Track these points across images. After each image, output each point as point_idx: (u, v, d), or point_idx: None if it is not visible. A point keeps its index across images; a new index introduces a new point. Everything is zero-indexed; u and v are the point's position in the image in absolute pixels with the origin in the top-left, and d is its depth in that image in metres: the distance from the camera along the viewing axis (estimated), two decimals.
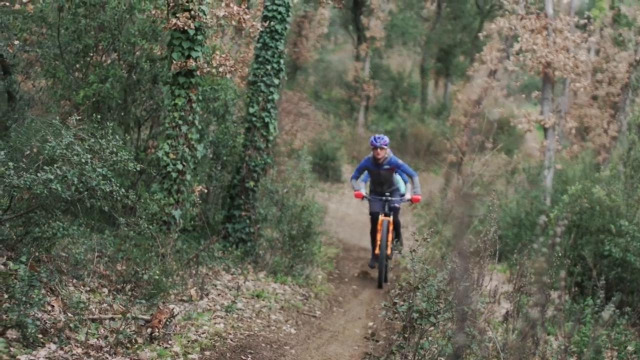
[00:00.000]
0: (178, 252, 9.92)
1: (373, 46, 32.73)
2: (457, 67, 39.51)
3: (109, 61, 11.23)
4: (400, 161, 13.24)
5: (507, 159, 23.95)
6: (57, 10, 10.85)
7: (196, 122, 10.30)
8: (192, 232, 11.99)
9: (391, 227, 13.15)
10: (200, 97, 10.55)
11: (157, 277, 8.21)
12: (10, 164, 6.88)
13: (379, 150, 12.97)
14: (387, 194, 13.31)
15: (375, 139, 13.10)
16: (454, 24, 38.55)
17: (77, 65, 11.27)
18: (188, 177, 10.19)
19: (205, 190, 11.62)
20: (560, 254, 10.87)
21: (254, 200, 12.50)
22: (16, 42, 10.27)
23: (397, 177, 13.68)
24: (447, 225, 13.72)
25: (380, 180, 13.33)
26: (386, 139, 13.11)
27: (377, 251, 13.21)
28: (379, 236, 13.12)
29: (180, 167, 10.06)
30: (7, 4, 9.97)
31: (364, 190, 13.62)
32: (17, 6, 9.56)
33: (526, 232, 16.27)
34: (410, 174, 13.24)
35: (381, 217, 13.17)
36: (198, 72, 10.15)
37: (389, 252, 13.10)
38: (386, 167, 13.12)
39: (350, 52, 41.84)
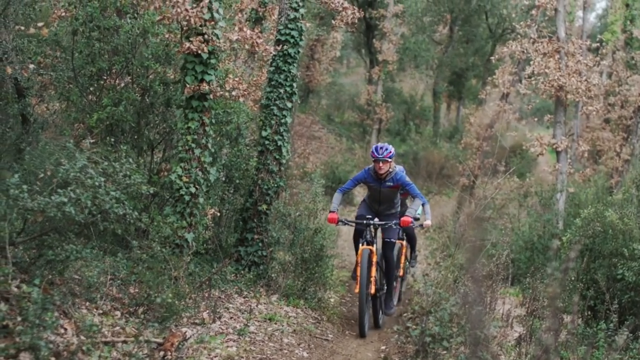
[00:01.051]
0: (190, 275, 9.91)
1: (385, 69, 32.76)
2: (470, 91, 39.65)
3: (122, 84, 11.29)
4: (407, 179, 11.23)
5: (519, 182, 23.96)
6: (71, 34, 10.97)
7: (209, 145, 10.33)
8: (204, 255, 11.99)
9: (374, 259, 10.95)
10: (213, 121, 10.58)
11: (169, 300, 8.20)
12: (24, 186, 6.92)
13: (381, 163, 10.90)
14: (372, 218, 11.22)
15: (376, 149, 11.01)
16: (466, 47, 38.64)
17: (91, 89, 11.36)
18: (201, 200, 10.21)
19: (218, 213, 11.65)
20: (573, 278, 10.84)
21: (266, 223, 12.48)
22: (31, 66, 10.39)
23: (397, 200, 11.60)
24: (459, 248, 13.65)
25: (379, 198, 11.36)
26: (391, 149, 11.01)
27: (356, 290, 10.79)
28: (358, 271, 10.71)
29: (193, 190, 10.07)
30: (22, 27, 10.08)
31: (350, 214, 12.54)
32: (31, 30, 9.67)
33: (539, 256, 16.21)
34: (416, 196, 11.13)
35: (361, 247, 10.96)
36: (211, 96, 10.19)
37: (372, 290, 10.88)
38: (389, 184, 11.14)
39: (363, 75, 42.05)
